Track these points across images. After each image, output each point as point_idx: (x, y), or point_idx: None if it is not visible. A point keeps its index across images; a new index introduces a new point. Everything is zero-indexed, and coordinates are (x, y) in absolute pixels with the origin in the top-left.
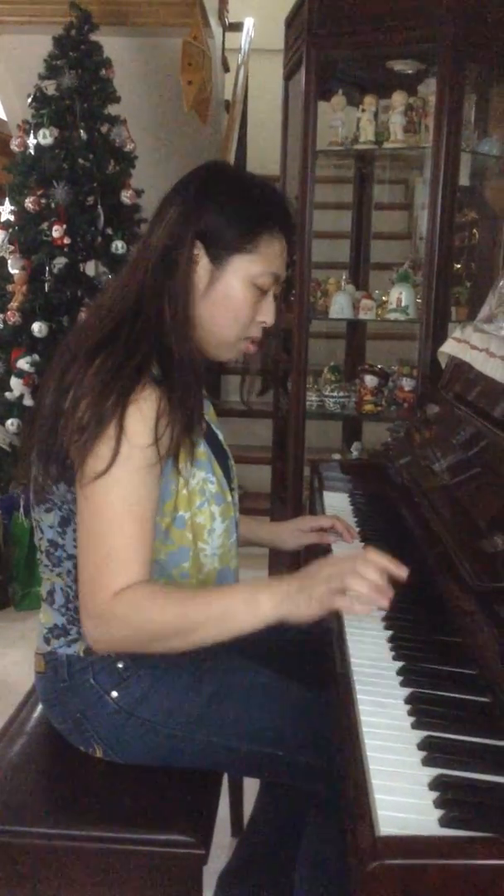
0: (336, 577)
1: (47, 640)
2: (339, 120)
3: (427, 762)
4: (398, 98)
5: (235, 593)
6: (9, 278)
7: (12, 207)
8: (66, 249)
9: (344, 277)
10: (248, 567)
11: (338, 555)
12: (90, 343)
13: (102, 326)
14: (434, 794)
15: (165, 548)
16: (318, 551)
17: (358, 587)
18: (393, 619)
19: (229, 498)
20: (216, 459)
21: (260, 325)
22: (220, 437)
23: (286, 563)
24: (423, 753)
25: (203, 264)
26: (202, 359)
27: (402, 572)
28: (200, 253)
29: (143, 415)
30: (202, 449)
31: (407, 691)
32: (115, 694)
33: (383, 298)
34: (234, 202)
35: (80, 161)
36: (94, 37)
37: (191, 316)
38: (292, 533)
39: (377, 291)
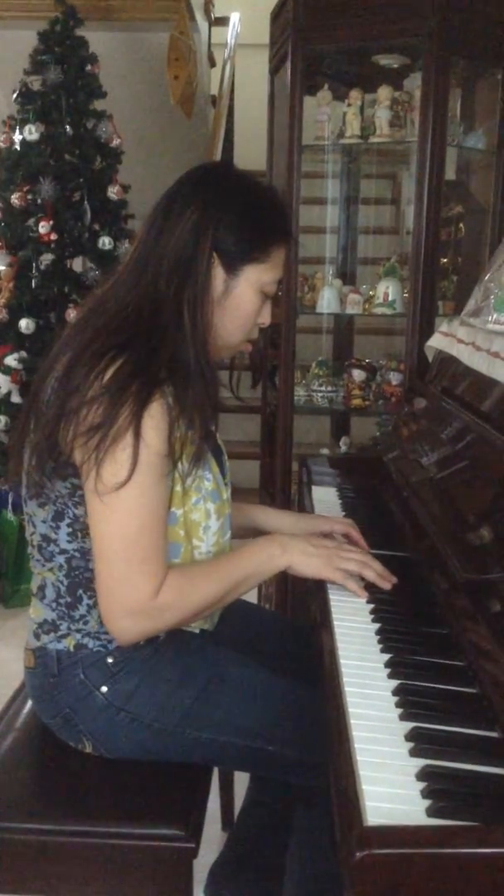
0: (351, 563)
1: (37, 636)
2: (325, 114)
3: (414, 753)
4: (384, 92)
5: (257, 552)
6: None
7: None
8: (52, 246)
9: (331, 272)
10: None
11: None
12: (99, 344)
13: (111, 330)
14: (421, 785)
15: None
16: None
17: (369, 574)
18: (380, 611)
19: (225, 495)
20: (212, 456)
21: (259, 326)
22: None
23: None
24: (410, 744)
25: (217, 272)
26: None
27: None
28: (216, 262)
29: (157, 423)
30: (195, 446)
31: (394, 683)
32: (104, 689)
33: (370, 293)
34: (248, 213)
35: (67, 157)
36: (79, 32)
37: (209, 323)
38: (302, 532)
39: (364, 286)
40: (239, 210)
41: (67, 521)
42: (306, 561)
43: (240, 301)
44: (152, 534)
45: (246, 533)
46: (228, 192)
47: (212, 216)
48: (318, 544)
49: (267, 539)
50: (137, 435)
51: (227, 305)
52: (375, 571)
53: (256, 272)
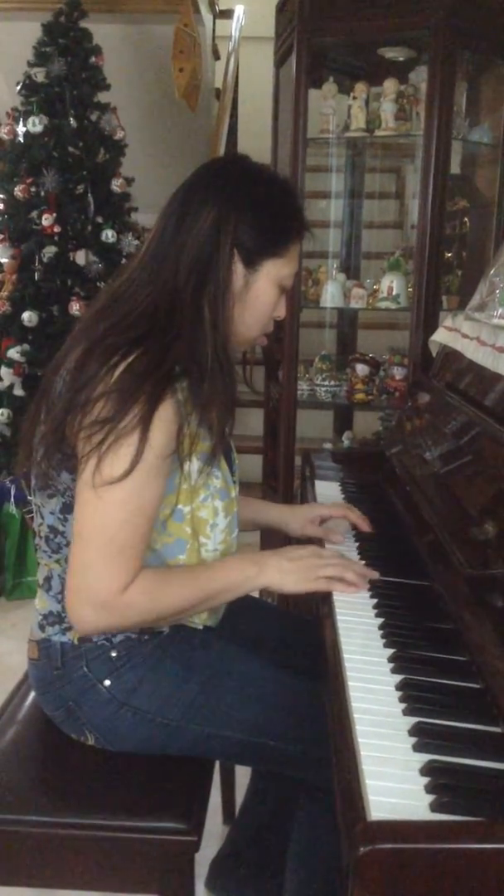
0: (329, 568)
1: (42, 627)
2: (330, 107)
3: (418, 748)
4: (389, 86)
5: (233, 569)
6: None
7: (1, 195)
8: (55, 238)
9: (335, 266)
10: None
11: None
12: (113, 339)
13: (127, 325)
14: (425, 780)
15: (161, 538)
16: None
17: (349, 576)
18: (384, 606)
19: (233, 493)
20: (222, 454)
21: (275, 319)
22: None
23: None
24: (414, 739)
25: (237, 269)
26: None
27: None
28: (234, 257)
29: (167, 424)
30: (209, 444)
31: (398, 678)
32: (108, 682)
33: (374, 287)
34: (266, 208)
35: (70, 149)
36: (83, 23)
37: (230, 318)
38: (301, 521)
39: (368, 280)
40: (257, 205)
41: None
42: (284, 578)
43: (259, 295)
44: (134, 531)
45: (248, 527)
46: (246, 188)
47: (231, 213)
48: (294, 557)
49: (243, 558)
50: (144, 435)
51: (247, 300)
52: (355, 572)
53: (276, 267)
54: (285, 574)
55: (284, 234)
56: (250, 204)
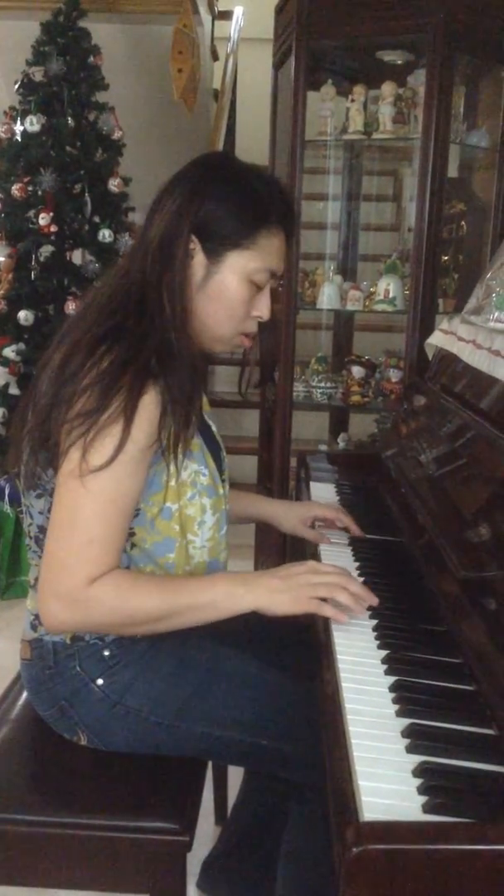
0: (321, 588)
1: (34, 627)
2: (329, 110)
3: (411, 749)
4: (388, 88)
5: (218, 585)
6: None
7: None
8: (52, 237)
9: (332, 268)
10: (234, 558)
11: (324, 559)
12: (92, 334)
13: (104, 318)
14: (418, 781)
15: (151, 537)
16: (306, 549)
17: (342, 599)
18: (378, 607)
19: (221, 490)
20: (209, 451)
21: (255, 319)
22: (213, 428)
23: (273, 557)
24: (407, 741)
25: (198, 258)
26: (199, 352)
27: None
28: (196, 247)
29: (149, 414)
30: (196, 441)
31: (392, 679)
32: (100, 682)
33: (371, 289)
34: (232, 197)
35: (68, 148)
36: (82, 23)
37: (188, 309)
38: (293, 520)
39: (365, 282)
40: (221, 195)
41: None
42: (276, 599)
43: (222, 289)
44: (106, 522)
45: (242, 520)
46: (213, 178)
47: (192, 200)
48: (285, 576)
49: (229, 575)
50: (127, 426)
51: (210, 293)
52: (350, 592)
53: (241, 259)
54: (275, 594)
55: (250, 226)
56: (213, 193)
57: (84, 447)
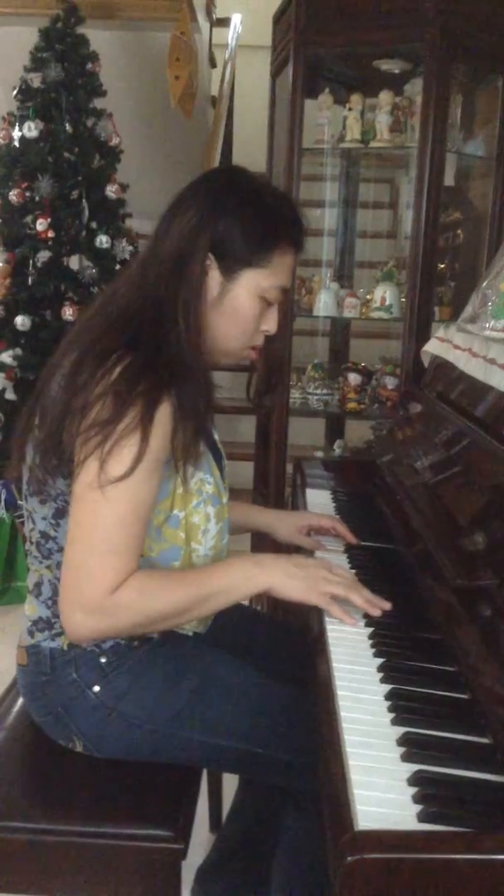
0: (337, 585)
1: (31, 633)
2: (326, 118)
3: (406, 758)
4: (385, 97)
5: (233, 568)
6: None
7: None
8: (50, 243)
9: (328, 275)
10: None
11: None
12: (104, 343)
13: (118, 329)
14: (413, 790)
15: (157, 545)
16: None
17: (356, 599)
18: (373, 616)
19: (224, 499)
20: (213, 460)
21: (263, 333)
22: (216, 436)
23: None
24: (402, 749)
25: (214, 275)
26: (209, 365)
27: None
28: (212, 264)
29: (164, 425)
30: (202, 449)
31: (387, 688)
32: (96, 689)
33: (368, 297)
34: (249, 216)
35: (66, 154)
36: (80, 29)
37: (201, 324)
38: (289, 528)
39: (362, 290)
40: (239, 213)
41: (68, 518)
42: (290, 583)
43: (236, 305)
44: (127, 531)
45: (238, 530)
46: (230, 195)
47: (210, 218)
48: (301, 565)
49: (244, 557)
50: (145, 436)
51: (223, 309)
52: (363, 597)
53: (256, 277)
54: (290, 579)
55: (265, 245)
56: (230, 211)
57: (102, 458)
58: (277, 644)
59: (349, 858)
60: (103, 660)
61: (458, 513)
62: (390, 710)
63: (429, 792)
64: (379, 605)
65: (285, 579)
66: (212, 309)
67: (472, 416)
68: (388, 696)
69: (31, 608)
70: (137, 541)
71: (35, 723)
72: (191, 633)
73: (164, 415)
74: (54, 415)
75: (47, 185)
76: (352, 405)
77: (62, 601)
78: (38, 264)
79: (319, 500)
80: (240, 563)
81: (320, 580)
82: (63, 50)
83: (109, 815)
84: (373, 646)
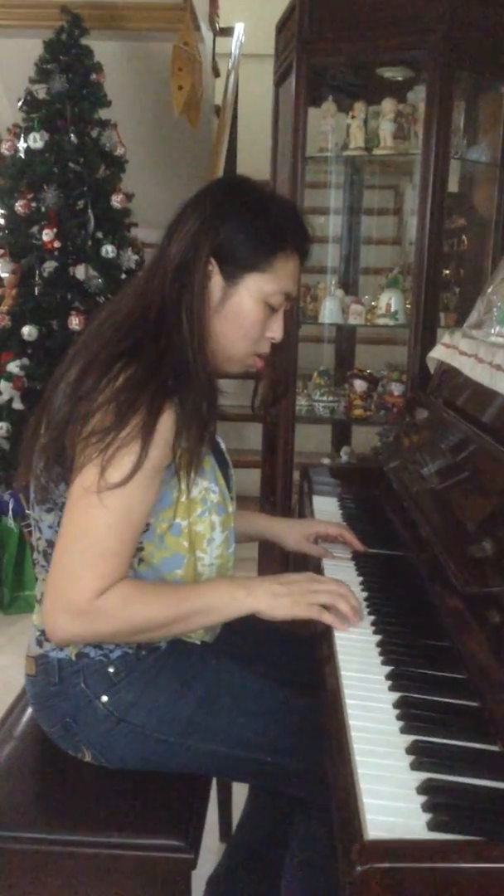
0: (323, 595)
1: (40, 643)
2: (330, 126)
3: (415, 766)
4: (388, 105)
5: (219, 589)
6: None
7: (2, 211)
8: (56, 253)
9: (333, 282)
10: (237, 570)
11: (328, 574)
12: (108, 352)
13: (121, 336)
14: (422, 798)
15: (159, 553)
16: (309, 563)
17: (342, 607)
18: (381, 623)
19: (230, 508)
20: (219, 469)
21: (268, 340)
22: (222, 445)
23: (276, 571)
24: (411, 757)
25: (216, 280)
26: (213, 372)
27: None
28: (214, 269)
29: (165, 433)
30: (207, 458)
31: (395, 696)
32: (105, 699)
33: (373, 303)
34: (251, 221)
35: (71, 165)
36: (84, 41)
37: (205, 330)
38: (296, 537)
39: (367, 296)
40: (241, 217)
41: None
42: (276, 603)
43: (238, 311)
44: (117, 537)
45: (245, 539)
46: (233, 201)
47: (212, 223)
48: (286, 582)
49: (231, 579)
50: (146, 444)
51: (226, 314)
52: (349, 605)
53: (257, 282)
54: (276, 598)
55: (267, 249)
56: (232, 216)
57: (102, 464)
58: (285, 652)
59: (359, 868)
60: (111, 669)
61: (466, 519)
62: (399, 718)
63: (438, 800)
64: (354, 621)
65: (272, 600)
66: (215, 314)
67: (478, 422)
68: (397, 704)
69: (40, 618)
70: (128, 547)
71: (44, 733)
72: (199, 642)
73: (165, 424)
74: (58, 422)
75: (53, 196)
76: (358, 412)
77: (46, 600)
78: (45, 274)
79: (326, 508)
80: (227, 584)
81: (307, 593)
82: (67, 61)
83: (119, 824)
84: (381, 653)
